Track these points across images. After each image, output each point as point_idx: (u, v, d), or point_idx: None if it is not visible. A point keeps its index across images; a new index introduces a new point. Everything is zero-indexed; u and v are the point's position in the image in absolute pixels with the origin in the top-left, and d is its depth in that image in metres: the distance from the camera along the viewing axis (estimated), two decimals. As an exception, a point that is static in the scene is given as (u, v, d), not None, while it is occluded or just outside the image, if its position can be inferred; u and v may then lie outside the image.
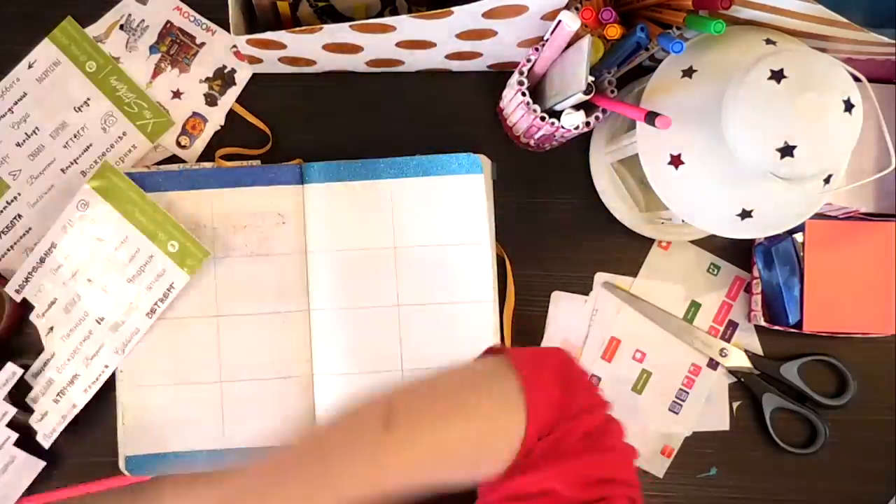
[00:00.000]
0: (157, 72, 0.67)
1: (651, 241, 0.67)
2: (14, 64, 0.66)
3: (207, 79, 0.67)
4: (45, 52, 0.65)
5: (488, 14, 0.54)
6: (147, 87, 0.67)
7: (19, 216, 0.64)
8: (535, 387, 0.45)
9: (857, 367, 0.66)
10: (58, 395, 0.62)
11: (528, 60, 0.57)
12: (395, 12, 0.62)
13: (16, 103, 0.65)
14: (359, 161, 0.64)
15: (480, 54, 0.63)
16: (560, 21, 0.51)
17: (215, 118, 0.67)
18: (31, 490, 0.62)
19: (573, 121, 0.56)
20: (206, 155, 0.66)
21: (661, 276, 0.67)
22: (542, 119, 0.57)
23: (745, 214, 0.53)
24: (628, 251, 0.67)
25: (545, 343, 0.66)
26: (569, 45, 0.54)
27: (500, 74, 0.67)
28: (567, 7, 0.52)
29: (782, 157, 0.47)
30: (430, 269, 0.64)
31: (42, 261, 0.62)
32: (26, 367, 0.63)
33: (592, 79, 0.54)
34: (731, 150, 0.49)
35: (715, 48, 0.53)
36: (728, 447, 0.66)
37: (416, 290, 0.64)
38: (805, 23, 0.52)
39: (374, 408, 0.45)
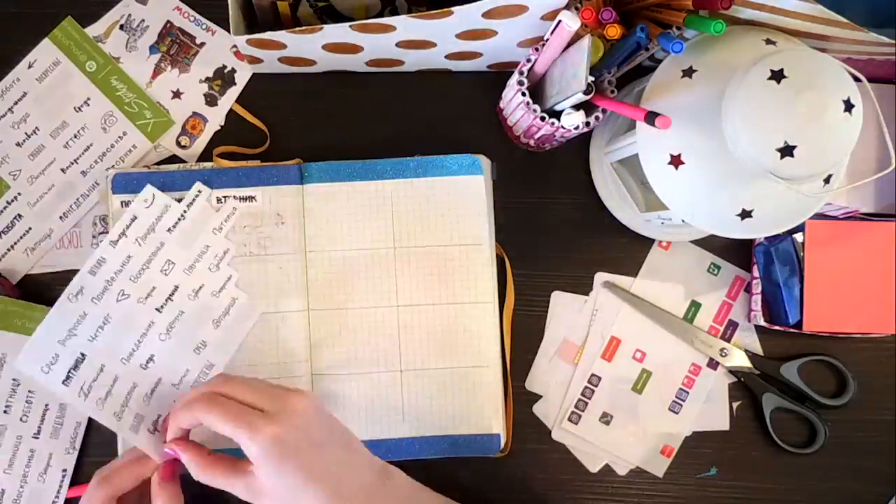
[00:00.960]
0: (157, 72, 0.67)
1: (651, 241, 0.67)
2: (14, 64, 0.66)
3: (207, 79, 0.67)
4: (45, 51, 0.65)
5: (488, 14, 0.54)
6: (147, 87, 0.67)
7: (19, 216, 0.64)
8: None
9: (857, 367, 0.66)
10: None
11: (528, 60, 0.57)
12: (395, 12, 0.62)
13: (16, 103, 0.65)
14: (358, 161, 0.64)
15: (480, 54, 0.63)
16: (560, 21, 0.51)
17: (215, 118, 0.67)
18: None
19: (573, 121, 0.56)
20: (207, 155, 0.66)
21: (661, 276, 0.67)
22: (542, 119, 0.57)
23: (745, 214, 0.53)
24: (628, 251, 0.67)
25: (545, 343, 0.66)
26: (569, 45, 0.54)
27: (500, 74, 0.67)
28: (567, 7, 0.52)
29: (782, 157, 0.47)
30: (430, 269, 0.64)
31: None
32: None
33: (592, 79, 0.54)
34: (731, 150, 0.49)
35: (715, 48, 0.53)
36: (728, 447, 0.66)
37: (416, 290, 0.64)
38: (805, 23, 0.52)
39: None
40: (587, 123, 0.57)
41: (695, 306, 0.67)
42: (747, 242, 0.67)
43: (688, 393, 0.66)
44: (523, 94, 0.57)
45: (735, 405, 0.67)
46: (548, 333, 0.67)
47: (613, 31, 0.52)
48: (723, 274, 0.68)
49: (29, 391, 0.61)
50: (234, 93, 0.67)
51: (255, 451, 0.49)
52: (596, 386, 0.66)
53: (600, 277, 0.67)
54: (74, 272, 0.65)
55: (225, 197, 0.63)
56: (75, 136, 0.65)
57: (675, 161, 0.53)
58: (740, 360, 0.66)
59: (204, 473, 0.52)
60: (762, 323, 0.65)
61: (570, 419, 0.66)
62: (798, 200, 0.53)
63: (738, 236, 0.55)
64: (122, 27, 0.67)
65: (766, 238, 0.65)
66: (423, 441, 0.63)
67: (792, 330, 0.65)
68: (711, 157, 0.51)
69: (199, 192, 0.62)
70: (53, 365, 0.56)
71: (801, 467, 0.66)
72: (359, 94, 0.67)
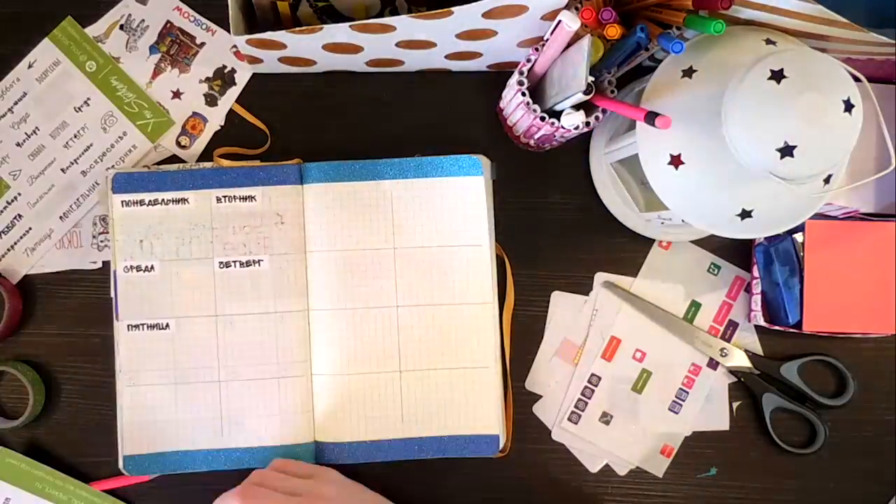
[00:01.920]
0: (157, 72, 0.67)
1: (651, 241, 0.67)
2: (14, 64, 0.66)
3: (207, 79, 0.67)
4: (45, 51, 0.65)
5: (488, 14, 0.54)
6: (147, 87, 0.67)
7: (19, 216, 0.64)
8: None
9: (857, 367, 0.66)
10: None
11: (528, 60, 0.57)
12: (395, 12, 0.62)
13: (16, 103, 0.65)
14: (358, 161, 0.64)
15: (480, 54, 0.63)
16: (560, 21, 0.51)
17: (215, 118, 0.67)
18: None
19: (573, 121, 0.56)
20: (207, 155, 0.66)
21: (661, 276, 0.67)
22: (542, 119, 0.57)
23: (745, 214, 0.53)
24: (628, 251, 0.67)
25: (545, 343, 0.66)
26: (569, 45, 0.54)
27: (500, 74, 0.67)
28: (567, 7, 0.52)
29: (782, 157, 0.47)
30: (430, 270, 0.64)
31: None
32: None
33: (592, 79, 0.54)
34: (731, 150, 0.49)
35: (715, 48, 0.53)
36: (728, 447, 0.66)
37: (416, 291, 0.64)
38: (805, 23, 0.52)
39: None
40: (587, 123, 0.57)
41: (695, 306, 0.67)
42: (747, 242, 0.67)
43: (688, 393, 0.66)
44: (523, 94, 0.57)
45: (735, 405, 0.67)
46: (548, 333, 0.67)
47: (613, 31, 0.52)
48: (723, 274, 0.68)
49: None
50: (234, 93, 0.67)
51: None
52: (596, 386, 0.66)
53: (600, 277, 0.67)
54: (75, 272, 0.65)
55: (225, 197, 0.63)
56: (75, 136, 0.65)
57: (675, 161, 0.53)
58: (740, 360, 0.66)
59: None
60: (762, 323, 0.65)
61: (569, 419, 0.66)
62: (798, 200, 0.53)
63: (738, 236, 0.55)
64: (122, 27, 0.67)
65: (766, 238, 0.65)
66: (422, 441, 0.63)
67: (792, 330, 0.65)
68: (711, 157, 0.51)
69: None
70: None
71: (801, 467, 0.66)
72: (359, 94, 0.67)
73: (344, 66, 0.66)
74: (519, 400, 0.66)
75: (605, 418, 0.66)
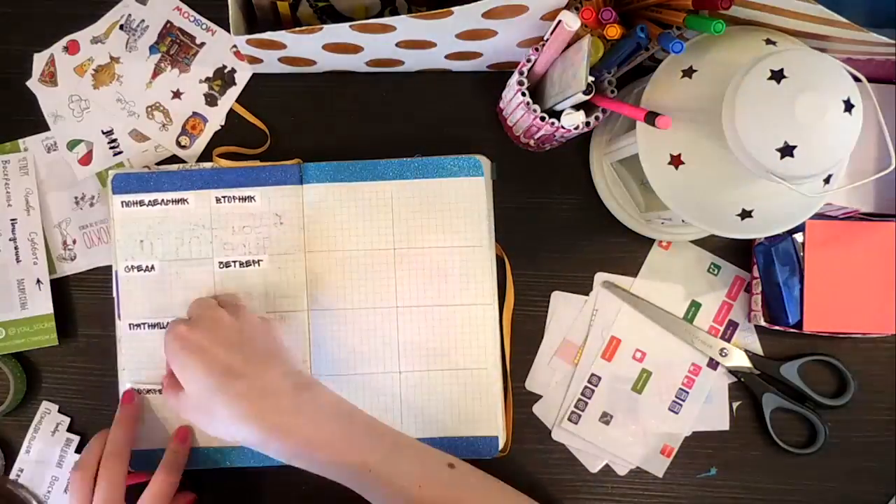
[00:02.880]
0: (157, 72, 0.67)
1: (651, 241, 0.67)
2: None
3: (207, 79, 0.67)
4: None
5: (488, 14, 0.54)
6: (147, 88, 0.67)
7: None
8: None
9: (857, 367, 0.66)
10: None
11: (528, 60, 0.57)
12: (395, 12, 0.62)
13: None
14: (359, 162, 0.64)
15: (480, 54, 0.63)
16: (560, 21, 0.51)
17: (215, 118, 0.67)
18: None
19: (573, 121, 0.56)
20: (206, 155, 0.66)
21: (661, 276, 0.67)
22: (542, 119, 0.57)
23: (745, 214, 0.53)
24: (628, 251, 0.67)
25: (545, 343, 0.66)
26: (569, 45, 0.54)
27: (500, 74, 0.67)
28: (567, 7, 0.52)
29: (782, 157, 0.47)
30: (430, 270, 0.64)
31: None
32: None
33: (592, 79, 0.54)
34: (731, 150, 0.49)
35: (715, 48, 0.53)
36: (728, 447, 0.66)
37: (416, 291, 0.64)
38: (805, 23, 0.52)
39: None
40: (587, 123, 0.57)
41: (695, 306, 0.67)
42: (747, 242, 0.67)
43: (688, 393, 0.66)
44: (523, 94, 0.57)
45: (735, 405, 0.67)
46: (548, 333, 0.67)
47: (613, 31, 0.52)
48: (723, 274, 0.68)
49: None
50: (234, 93, 0.67)
51: (165, 347, 0.55)
52: (596, 386, 0.66)
53: (600, 277, 0.67)
54: (76, 273, 0.65)
55: (225, 197, 0.63)
56: None
57: (675, 161, 0.53)
58: (740, 360, 0.66)
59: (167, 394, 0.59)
60: (762, 323, 0.65)
61: (569, 419, 0.66)
62: (798, 200, 0.53)
63: (738, 236, 0.55)
64: (122, 27, 0.67)
65: (766, 238, 0.65)
66: (421, 442, 0.62)
67: (792, 330, 0.65)
68: (711, 157, 0.51)
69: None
70: None
71: (801, 467, 0.66)
72: (359, 94, 0.67)
73: (344, 66, 0.66)
74: (519, 400, 0.66)
75: (605, 418, 0.66)
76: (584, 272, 0.67)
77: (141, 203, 0.63)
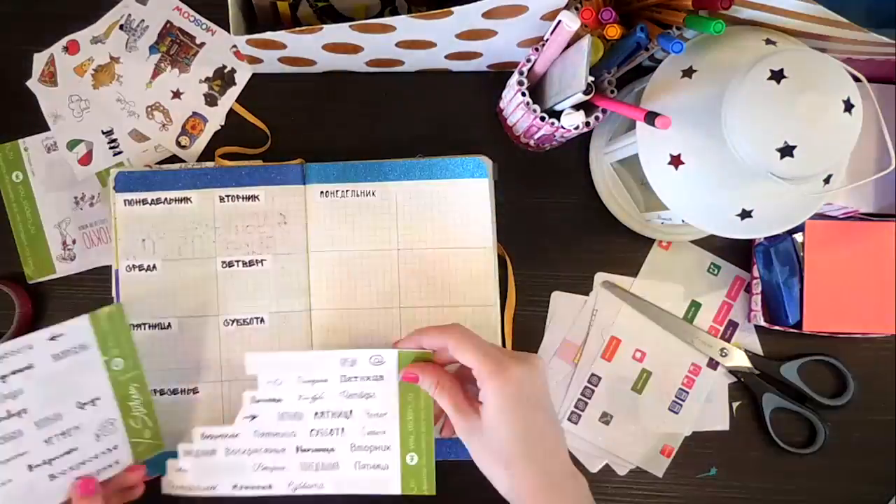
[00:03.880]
0: (157, 72, 0.67)
1: (651, 241, 0.67)
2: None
3: (207, 79, 0.67)
4: (77, 330, 0.54)
5: (488, 14, 0.54)
6: (147, 88, 0.67)
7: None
8: None
9: (857, 367, 0.66)
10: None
11: (528, 60, 0.57)
12: (395, 12, 0.62)
13: (14, 373, 0.52)
14: (362, 162, 0.64)
15: (480, 54, 0.63)
16: (560, 21, 0.51)
17: (215, 118, 0.67)
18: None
19: (573, 121, 0.56)
20: (207, 155, 0.67)
21: (661, 276, 0.67)
22: (542, 119, 0.57)
23: (745, 214, 0.53)
24: (628, 251, 0.67)
25: (545, 343, 0.66)
26: (569, 45, 0.54)
27: (500, 74, 0.67)
28: (567, 7, 0.52)
29: (782, 157, 0.47)
30: (433, 271, 0.64)
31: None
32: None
33: (592, 79, 0.54)
34: (731, 150, 0.49)
35: (715, 48, 0.53)
36: (728, 447, 0.66)
37: (418, 292, 0.64)
38: (805, 23, 0.52)
39: None
40: (587, 123, 0.57)
41: (695, 306, 0.67)
42: (747, 242, 0.67)
43: (688, 393, 0.66)
44: (523, 94, 0.57)
45: (735, 405, 0.67)
46: (548, 333, 0.67)
47: (613, 31, 0.52)
48: (723, 274, 0.68)
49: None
50: (234, 93, 0.67)
51: (493, 387, 0.51)
52: (596, 386, 0.66)
53: (600, 277, 0.67)
54: (77, 273, 0.65)
55: (228, 196, 0.63)
56: (63, 434, 0.54)
57: (675, 161, 0.53)
58: (740, 360, 0.66)
59: (440, 392, 0.54)
60: (762, 323, 0.65)
61: (569, 419, 0.66)
62: (798, 200, 0.53)
63: (738, 236, 0.55)
64: (122, 27, 0.67)
65: (766, 238, 0.65)
66: None
67: (792, 330, 0.65)
68: (711, 157, 0.51)
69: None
70: None
71: (801, 467, 0.66)
72: (359, 94, 0.67)
73: (344, 66, 0.66)
74: (519, 400, 0.66)
75: (605, 418, 0.66)
76: (584, 272, 0.67)
77: (143, 202, 0.63)
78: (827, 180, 0.52)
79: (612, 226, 0.67)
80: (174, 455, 0.58)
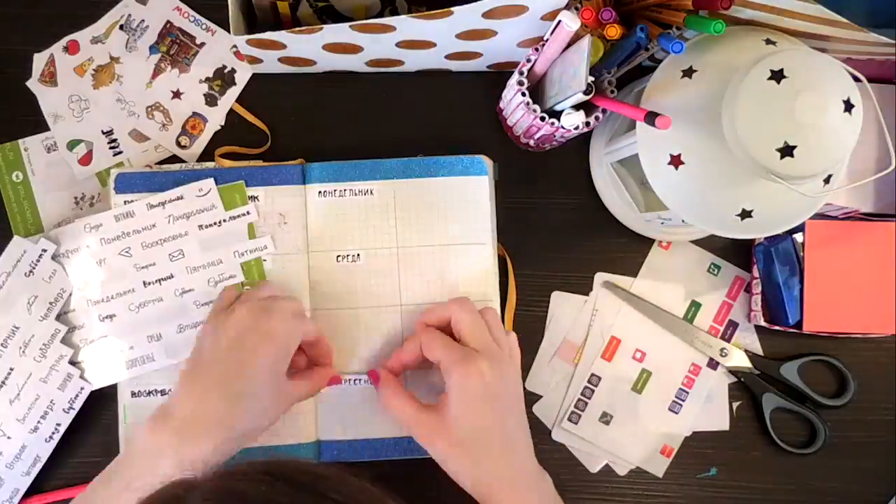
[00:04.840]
0: (157, 72, 0.67)
1: (651, 241, 0.67)
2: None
3: (207, 79, 0.67)
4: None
5: (488, 14, 0.54)
6: (147, 88, 0.67)
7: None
8: None
9: (857, 367, 0.66)
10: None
11: (528, 60, 0.57)
12: (395, 12, 0.62)
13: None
14: (362, 161, 0.64)
15: (480, 54, 0.63)
16: (560, 21, 0.51)
17: (215, 118, 0.67)
18: (33, 489, 0.62)
19: (573, 121, 0.56)
20: (207, 155, 0.66)
21: (661, 276, 0.67)
22: (542, 119, 0.57)
23: (745, 214, 0.53)
24: (628, 251, 0.67)
25: (545, 343, 0.66)
26: (569, 45, 0.54)
27: (500, 74, 0.67)
28: (567, 7, 0.52)
29: (782, 157, 0.47)
30: (433, 270, 0.64)
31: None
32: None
33: (592, 79, 0.54)
34: (731, 150, 0.49)
35: (715, 48, 0.53)
36: (728, 447, 0.66)
37: (419, 291, 0.63)
38: (805, 23, 0.52)
39: None
40: (587, 123, 0.57)
41: (695, 306, 0.67)
42: (747, 242, 0.67)
43: (688, 393, 0.66)
44: (523, 94, 0.57)
45: (735, 405, 0.67)
46: (548, 333, 0.67)
47: (613, 32, 0.52)
48: (723, 274, 0.68)
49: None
50: (234, 93, 0.67)
51: (458, 377, 0.53)
52: (596, 386, 0.66)
53: (600, 277, 0.67)
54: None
55: None
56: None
57: (675, 161, 0.53)
58: (740, 360, 0.66)
59: (393, 401, 0.57)
60: (762, 323, 0.65)
61: (570, 419, 0.66)
62: (798, 200, 0.53)
63: (738, 236, 0.55)
64: (122, 27, 0.67)
65: (766, 238, 0.65)
66: None
67: (792, 330, 0.65)
68: (711, 157, 0.51)
69: (248, 212, 0.62)
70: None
71: (801, 467, 0.66)
72: (359, 95, 0.67)
73: (344, 66, 0.66)
74: (519, 400, 0.66)
75: (605, 418, 0.66)
76: (584, 272, 0.67)
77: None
78: (827, 180, 0.52)
79: (612, 226, 0.67)
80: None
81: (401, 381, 0.59)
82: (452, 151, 0.65)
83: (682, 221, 0.57)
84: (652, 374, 0.66)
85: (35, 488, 0.62)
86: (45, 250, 0.62)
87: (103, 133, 0.66)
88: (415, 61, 0.65)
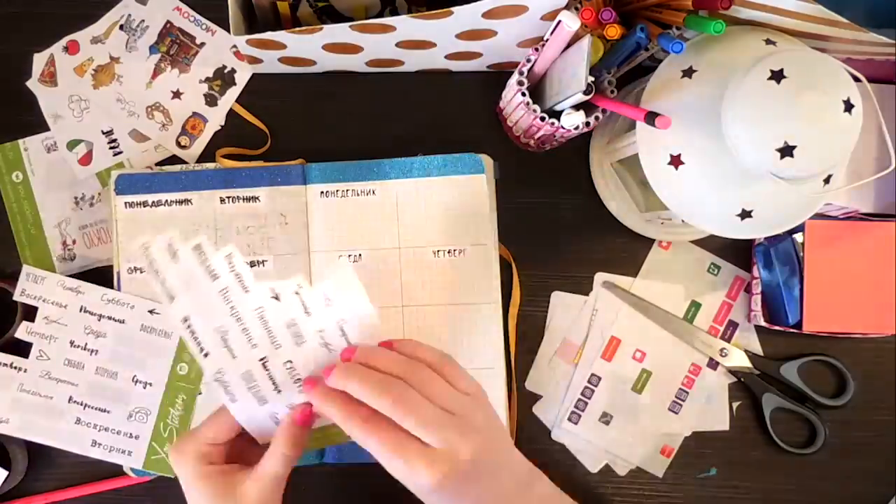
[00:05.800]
0: (157, 72, 0.67)
1: (651, 241, 0.67)
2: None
3: (207, 79, 0.67)
4: None
5: (488, 14, 0.54)
6: (147, 88, 0.67)
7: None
8: None
9: (857, 367, 0.66)
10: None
11: (528, 60, 0.57)
12: (395, 12, 0.62)
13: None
14: (362, 161, 0.64)
15: (480, 54, 0.63)
16: (560, 21, 0.51)
17: (215, 118, 0.67)
18: (32, 491, 0.62)
19: (573, 121, 0.56)
20: (207, 155, 0.66)
21: (661, 276, 0.67)
22: (542, 119, 0.57)
23: (745, 214, 0.53)
24: (628, 251, 0.67)
25: (545, 343, 0.66)
26: (569, 45, 0.54)
27: (500, 74, 0.67)
28: (567, 7, 0.52)
29: (782, 157, 0.47)
30: (435, 269, 0.64)
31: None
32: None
33: (592, 79, 0.54)
34: (731, 150, 0.49)
35: (715, 48, 0.53)
36: (728, 447, 0.66)
37: (421, 290, 0.64)
38: (805, 23, 0.52)
39: None
40: (587, 123, 0.57)
41: (695, 306, 0.67)
42: (747, 242, 0.67)
43: (688, 393, 0.66)
44: (523, 93, 0.57)
45: (735, 405, 0.67)
46: (548, 333, 0.67)
47: (613, 32, 0.52)
48: (723, 274, 0.68)
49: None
50: (234, 93, 0.67)
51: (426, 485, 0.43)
52: (596, 386, 0.66)
53: (600, 277, 0.67)
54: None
55: (229, 197, 0.63)
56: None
57: (675, 161, 0.53)
58: (740, 360, 0.66)
59: (364, 434, 0.44)
60: (762, 323, 0.65)
61: (569, 419, 0.66)
62: (798, 200, 0.53)
63: (738, 236, 0.55)
64: (122, 27, 0.67)
65: (766, 238, 0.65)
66: None
67: (792, 330, 0.65)
68: (711, 157, 0.51)
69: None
70: None
71: (801, 467, 0.66)
72: (359, 95, 0.67)
73: (344, 66, 0.66)
74: (519, 400, 0.66)
75: (605, 418, 0.66)
76: (584, 272, 0.67)
77: (144, 204, 0.63)
78: (827, 180, 0.52)
79: (612, 226, 0.67)
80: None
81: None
82: (452, 151, 0.65)
83: (682, 221, 0.57)
84: (652, 374, 0.66)
85: (37, 489, 0.62)
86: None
87: (103, 133, 0.66)
88: (415, 61, 0.65)
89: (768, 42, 0.52)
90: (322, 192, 0.64)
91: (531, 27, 0.56)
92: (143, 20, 0.67)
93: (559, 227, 0.67)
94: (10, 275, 0.65)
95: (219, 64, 0.67)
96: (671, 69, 0.55)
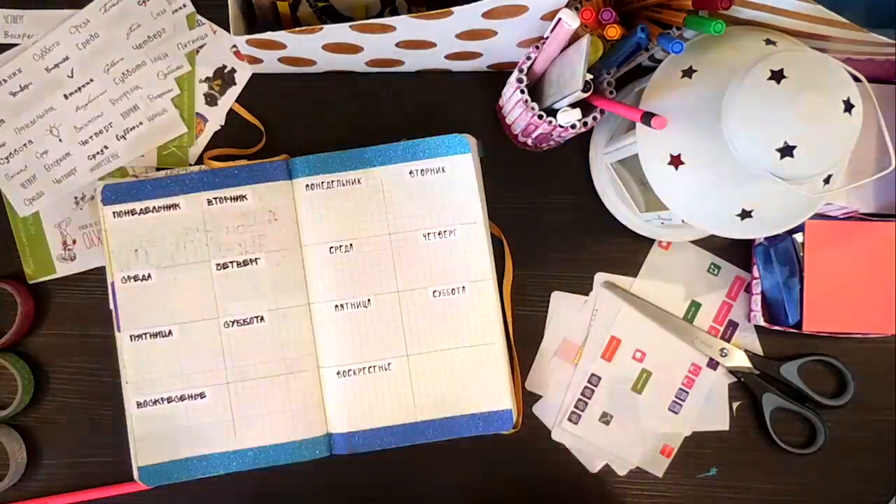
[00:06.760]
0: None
1: (651, 241, 0.67)
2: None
3: (207, 79, 0.67)
4: None
5: (488, 14, 0.54)
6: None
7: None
8: None
9: (857, 367, 0.66)
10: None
11: (529, 58, 0.57)
12: (395, 12, 0.62)
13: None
14: (346, 151, 0.64)
15: (480, 54, 0.63)
16: (560, 19, 0.51)
17: (215, 118, 0.67)
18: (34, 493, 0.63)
19: (568, 118, 0.56)
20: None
21: (661, 276, 0.67)
22: (540, 117, 0.57)
23: (745, 214, 0.53)
24: (628, 251, 0.67)
25: (545, 343, 0.66)
26: (568, 44, 0.54)
27: (499, 74, 0.67)
28: (567, 6, 0.52)
29: (782, 157, 0.47)
30: (427, 252, 0.64)
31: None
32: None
33: (591, 77, 0.54)
34: (731, 151, 0.49)
35: (715, 48, 0.53)
36: (728, 447, 0.66)
37: (415, 273, 0.64)
38: (805, 23, 0.52)
39: None
40: (584, 123, 0.57)
41: (695, 306, 0.67)
42: (747, 242, 0.67)
43: (688, 393, 0.66)
44: (522, 91, 0.57)
45: (735, 405, 0.67)
46: (548, 333, 0.67)
47: (613, 32, 0.52)
48: (723, 274, 0.68)
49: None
50: (234, 93, 0.67)
51: None
52: (596, 386, 0.66)
53: (600, 277, 0.67)
54: (76, 273, 0.65)
55: (216, 198, 0.63)
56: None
57: (675, 161, 0.53)
58: (740, 360, 0.66)
59: None
60: (762, 323, 0.65)
61: (569, 419, 0.66)
62: (798, 200, 0.53)
63: (738, 236, 0.55)
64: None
65: (766, 238, 0.65)
66: (435, 424, 0.62)
67: (792, 330, 0.65)
68: (711, 157, 0.51)
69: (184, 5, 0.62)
70: None
71: (801, 467, 0.66)
72: (359, 95, 0.67)
73: (344, 66, 0.66)
74: (519, 399, 0.66)
75: (605, 418, 0.66)
76: (584, 272, 0.67)
77: (132, 212, 0.63)
78: (827, 180, 0.52)
79: (612, 226, 0.67)
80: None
81: None
82: (452, 151, 0.65)
83: (682, 221, 0.57)
84: (652, 374, 0.66)
85: (40, 491, 0.62)
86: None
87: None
88: (415, 61, 0.65)
89: (768, 42, 0.52)
90: (308, 186, 0.64)
91: (531, 27, 0.56)
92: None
93: (559, 227, 0.67)
94: (10, 275, 0.65)
95: (219, 64, 0.67)
96: (671, 69, 0.55)
